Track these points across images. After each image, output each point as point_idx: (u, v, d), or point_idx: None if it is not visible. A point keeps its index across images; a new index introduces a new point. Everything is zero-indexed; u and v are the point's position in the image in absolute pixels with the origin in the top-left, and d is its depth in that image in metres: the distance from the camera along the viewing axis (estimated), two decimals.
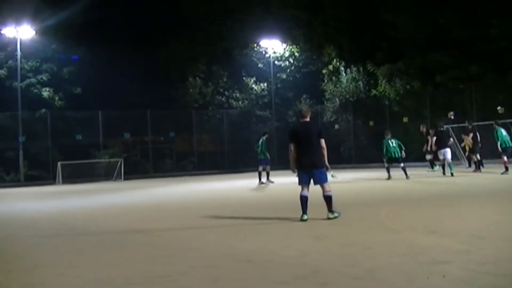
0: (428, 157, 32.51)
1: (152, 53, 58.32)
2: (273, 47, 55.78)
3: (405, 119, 42.77)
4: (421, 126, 33.98)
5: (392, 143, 27.74)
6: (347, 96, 50.39)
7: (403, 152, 27.76)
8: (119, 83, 56.01)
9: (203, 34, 57.63)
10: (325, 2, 52.28)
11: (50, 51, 50.28)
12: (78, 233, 13.35)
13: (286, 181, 28.10)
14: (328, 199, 13.14)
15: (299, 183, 13.25)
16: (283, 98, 56.57)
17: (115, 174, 44.71)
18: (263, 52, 56.60)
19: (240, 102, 56.13)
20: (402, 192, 20.66)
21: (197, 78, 55.90)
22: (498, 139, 27.98)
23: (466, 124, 30.66)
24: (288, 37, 55.87)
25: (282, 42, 55.91)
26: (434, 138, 29.23)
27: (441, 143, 28.45)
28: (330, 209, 13.11)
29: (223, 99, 56.38)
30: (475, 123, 35.11)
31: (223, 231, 12.28)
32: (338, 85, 50.74)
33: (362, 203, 17.22)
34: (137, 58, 56.83)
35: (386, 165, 28.00)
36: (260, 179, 28.81)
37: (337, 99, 51.17)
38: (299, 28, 55.24)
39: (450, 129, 37.05)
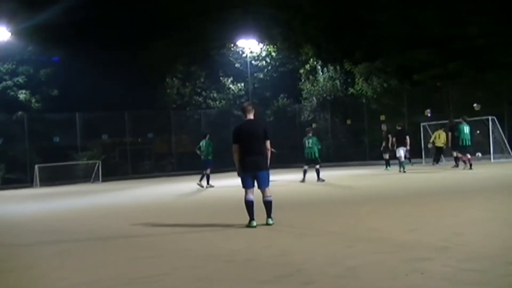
0: (386, 156, 33.00)
1: (129, 54, 58.07)
2: (250, 47, 55.78)
3: (383, 117, 42.94)
4: (382, 126, 34.26)
5: (308, 143, 27.45)
6: (325, 95, 50.52)
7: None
8: (97, 85, 55.73)
9: (181, 35, 57.52)
10: (304, 1, 52.37)
11: (27, 53, 49.90)
12: (60, 236, 13.33)
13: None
14: (269, 204, 12.50)
15: (243, 187, 12.59)
16: (260, 97, 56.55)
17: (93, 176, 44.50)
18: (240, 52, 56.59)
19: (217, 102, 56.10)
20: (382, 190, 20.74)
21: (174, 79, 55.85)
22: (460, 135, 28.42)
23: (447, 122, 30.85)
24: (265, 36, 55.90)
25: (259, 42, 55.92)
26: (394, 137, 30.10)
27: (398, 142, 29.87)
28: (270, 214, 12.49)
29: (201, 99, 56.33)
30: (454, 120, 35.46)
31: (205, 231, 12.29)
32: (315, 84, 50.86)
33: (343, 201, 17.28)
34: (114, 59, 56.59)
35: (317, 166, 27.45)
36: (208, 181, 28.08)
37: (314, 98, 51.30)
38: (277, 27, 55.37)
39: (427, 127, 37.37)
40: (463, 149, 28.86)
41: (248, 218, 12.35)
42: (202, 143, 28.50)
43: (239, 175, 12.60)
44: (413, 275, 7.06)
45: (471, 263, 7.55)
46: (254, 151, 12.39)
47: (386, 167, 33.13)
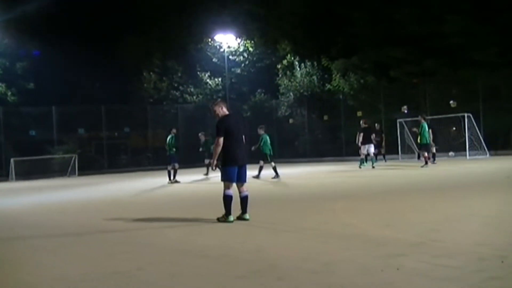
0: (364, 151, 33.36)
1: (107, 48, 57.83)
2: (227, 41, 55.72)
3: (359, 113, 43.04)
4: (361, 122, 34.41)
5: (262, 140, 27.32)
6: (302, 91, 50.58)
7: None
8: (73, 78, 55.59)
9: (158, 29, 57.47)
10: None
11: (3, 46, 49.56)
12: (33, 230, 13.22)
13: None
14: (246, 199, 12.45)
15: (227, 180, 12.31)
16: (238, 92, 56.60)
17: (69, 170, 44.23)
18: (218, 47, 56.52)
19: (194, 97, 56.01)
20: (357, 186, 20.82)
21: (151, 73, 55.73)
22: (423, 134, 28.78)
23: (419, 118, 30.97)
24: (243, 31, 55.89)
25: (237, 37, 55.89)
26: (361, 134, 30.59)
27: (365, 139, 30.61)
28: (246, 210, 12.44)
29: (178, 94, 56.22)
30: (428, 117, 35.63)
31: (179, 226, 12.26)
32: (292, 80, 50.92)
33: (318, 197, 17.29)
34: (91, 53, 56.43)
35: (262, 163, 27.09)
36: (170, 177, 27.67)
37: (291, 94, 51.36)
38: (254, 22, 55.33)
39: (404, 123, 37.55)
40: (424, 147, 29.29)
41: (224, 212, 12.30)
42: (168, 137, 28.01)
43: (217, 167, 12.63)
44: (388, 271, 7.07)
45: (446, 259, 7.57)
46: (242, 144, 12.47)
47: (364, 162, 33.26)
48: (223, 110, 12.66)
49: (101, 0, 60.03)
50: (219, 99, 13.61)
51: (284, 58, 52.59)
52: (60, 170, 44.77)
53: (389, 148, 38.90)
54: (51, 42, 51.25)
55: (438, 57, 40.90)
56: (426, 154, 28.99)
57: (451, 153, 33.47)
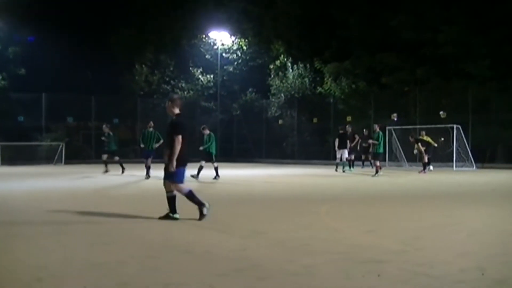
0: (351, 157, 33.62)
1: (100, 38, 57.62)
2: (221, 39, 55.75)
3: (349, 118, 43.09)
4: (347, 127, 34.68)
5: (206, 140, 26.43)
6: (293, 92, 50.63)
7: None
8: (65, 66, 55.39)
9: (153, 22, 57.28)
10: None
11: None
12: (14, 216, 13.16)
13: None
14: (174, 199, 12.42)
15: (181, 181, 12.29)
16: (229, 90, 56.63)
17: (55, 158, 44.14)
18: (212, 44, 56.53)
19: (185, 92, 55.91)
20: (343, 190, 20.87)
21: (143, 66, 55.61)
22: (380, 142, 28.84)
23: (375, 127, 30.86)
24: (237, 30, 55.89)
25: (231, 35, 55.91)
26: (337, 139, 30.98)
27: (340, 144, 31.37)
28: (172, 209, 12.41)
29: (169, 88, 56.09)
30: (418, 126, 35.77)
31: (163, 221, 12.22)
32: (284, 81, 50.95)
33: (303, 199, 17.31)
34: (84, 42, 56.29)
35: (204, 164, 26.13)
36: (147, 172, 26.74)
37: (282, 95, 51.39)
38: (249, 21, 55.30)
39: (393, 130, 37.65)
40: (378, 156, 29.26)
41: (173, 211, 12.37)
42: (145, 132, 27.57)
43: (175, 168, 12.08)
44: (369, 277, 7.09)
45: (427, 268, 7.59)
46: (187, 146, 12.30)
47: (350, 167, 33.42)
48: (177, 110, 12.42)
49: None
50: (175, 96, 12.92)
51: (277, 58, 52.60)
52: (47, 158, 44.70)
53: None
54: (44, 29, 51.14)
55: (431, 66, 41.05)
56: (378, 163, 28.84)
57: (431, 167, 33.51)
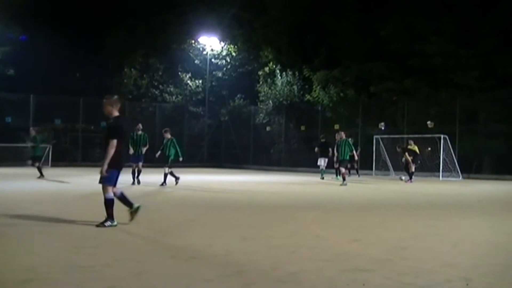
0: (336, 165, 33.67)
1: (90, 41, 57.60)
2: (211, 44, 55.81)
3: (337, 126, 43.09)
4: (336, 135, 34.66)
5: (167, 145, 25.72)
6: (281, 99, 50.64)
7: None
8: (54, 68, 55.31)
9: (143, 26, 57.23)
10: (268, 4, 52.40)
11: None
12: (1, 218, 13.09)
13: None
14: (124, 194, 12.27)
15: (110, 184, 11.92)
16: (217, 96, 56.69)
17: (42, 159, 43.96)
18: (201, 49, 56.57)
19: (174, 97, 55.97)
20: (330, 198, 20.87)
21: (132, 69, 55.56)
22: (350, 150, 28.62)
23: (340, 134, 30.68)
24: (227, 35, 55.95)
25: (221, 40, 55.95)
26: (318, 148, 31.10)
27: (322, 152, 32.13)
28: (130, 202, 12.25)
29: (157, 92, 56.13)
30: (405, 136, 35.87)
31: (149, 226, 12.20)
32: (273, 88, 50.96)
33: (290, 207, 17.31)
34: (74, 44, 56.17)
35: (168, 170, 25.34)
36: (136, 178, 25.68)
37: (270, 101, 51.40)
38: (239, 27, 55.35)
39: (380, 139, 37.74)
40: (343, 163, 29.00)
41: (106, 217, 11.96)
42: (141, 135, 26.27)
43: (104, 173, 11.73)
44: (354, 285, 7.10)
45: (412, 277, 7.61)
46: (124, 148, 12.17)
47: (336, 176, 33.47)
48: (116, 111, 12.13)
49: None
50: (115, 97, 12.42)
51: (266, 65, 52.61)
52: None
53: (363, 163, 39.04)
54: (34, 30, 51.08)
55: (419, 76, 41.14)
56: (343, 170, 28.72)
57: (404, 177, 33.60)
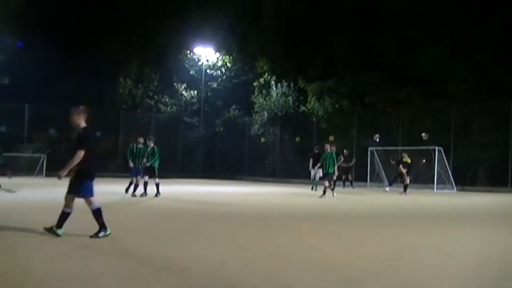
0: (333, 177, 33.75)
1: (85, 50, 57.48)
2: (206, 55, 55.81)
3: (331, 138, 43.06)
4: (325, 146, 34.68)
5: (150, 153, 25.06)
6: (276, 110, 50.63)
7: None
8: (49, 77, 55.16)
9: (138, 35, 57.24)
10: (262, 14, 52.49)
11: None
12: None
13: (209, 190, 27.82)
14: (66, 216, 11.86)
15: (90, 195, 11.77)
16: (212, 106, 56.64)
17: (37, 169, 43.92)
18: (196, 60, 56.54)
19: (168, 108, 55.93)
20: (324, 209, 20.85)
21: (127, 79, 55.54)
22: (333, 164, 28.05)
23: (326, 146, 30.36)
24: (222, 46, 55.93)
25: (216, 51, 55.96)
26: (310, 159, 30.82)
27: (314, 164, 31.67)
28: (60, 224, 11.79)
29: (152, 102, 56.08)
30: (400, 148, 35.86)
31: (143, 236, 12.19)
32: (268, 99, 50.94)
33: (284, 217, 17.32)
34: (70, 53, 56.09)
35: (157, 180, 25.00)
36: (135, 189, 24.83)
37: (265, 112, 51.37)
38: (234, 37, 55.34)
39: (375, 152, 37.73)
40: (330, 176, 28.57)
41: (99, 228, 11.83)
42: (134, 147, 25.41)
43: (81, 182, 11.70)
44: None
45: None
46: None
47: (333, 186, 33.51)
48: (83, 122, 12.18)
49: (84, 2, 59.72)
50: (82, 107, 12.49)
51: (261, 76, 52.60)
52: (28, 169, 44.44)
53: (357, 174, 39.03)
54: (29, 39, 50.98)
55: (414, 87, 41.17)
56: (326, 183, 28.27)
57: (387, 189, 33.63)
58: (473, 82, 39.06)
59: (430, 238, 13.14)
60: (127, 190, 25.15)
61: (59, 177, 11.77)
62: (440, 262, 10.05)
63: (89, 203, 11.76)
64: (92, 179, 11.84)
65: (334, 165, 27.90)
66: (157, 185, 24.78)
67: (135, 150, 25.05)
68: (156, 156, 24.88)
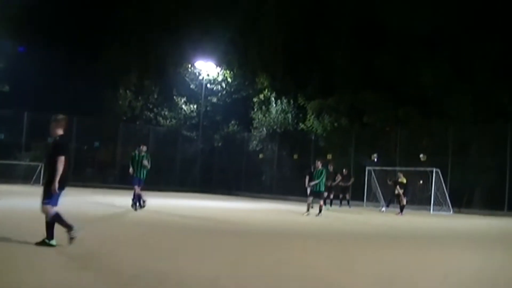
0: (330, 195, 33.88)
1: (86, 60, 57.59)
2: (207, 69, 55.89)
3: (329, 156, 43.08)
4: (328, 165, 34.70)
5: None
6: (275, 127, 50.68)
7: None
8: (49, 86, 55.22)
9: (140, 47, 57.31)
10: (263, 30, 52.61)
11: None
12: None
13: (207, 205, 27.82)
14: (52, 225, 11.82)
15: (54, 204, 11.73)
16: (211, 121, 56.69)
17: (34, 178, 43.88)
18: (197, 74, 56.61)
19: (168, 121, 55.99)
20: (320, 228, 20.83)
21: (127, 91, 55.61)
22: (323, 182, 27.64)
23: (316, 164, 30.01)
24: (223, 60, 56.01)
25: (217, 66, 56.03)
26: (307, 177, 30.49)
27: (310, 182, 29.48)
28: (50, 235, 11.80)
29: (152, 115, 56.16)
30: (398, 168, 35.85)
31: (138, 250, 12.17)
32: (267, 115, 50.99)
33: (280, 234, 17.31)
34: (70, 62, 56.18)
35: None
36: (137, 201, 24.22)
37: (264, 129, 51.42)
38: (235, 52, 55.42)
39: (372, 171, 37.74)
40: (321, 194, 28.19)
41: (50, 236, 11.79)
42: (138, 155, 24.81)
43: (57, 190, 11.61)
44: None
45: None
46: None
47: (330, 204, 33.55)
48: (61, 130, 12.01)
49: (85, 12, 59.86)
50: (62, 116, 12.23)
51: (261, 92, 52.65)
52: (25, 177, 44.42)
53: (354, 194, 39.01)
54: (29, 47, 51.05)
55: (412, 107, 41.21)
56: (322, 202, 27.87)
57: (383, 209, 33.70)
58: (472, 103, 39.13)
59: (426, 259, 13.14)
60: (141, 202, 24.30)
61: (55, 191, 11.58)
62: (436, 282, 10.05)
63: (46, 212, 11.69)
64: (63, 189, 11.75)
65: (324, 183, 27.50)
66: (139, 195, 24.13)
67: (137, 158, 24.47)
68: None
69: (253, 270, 10.43)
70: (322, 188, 27.38)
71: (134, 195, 24.28)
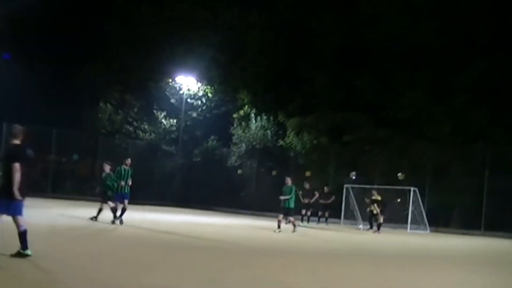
0: (308, 212, 34.36)
1: (67, 72, 57.42)
2: (188, 84, 55.82)
3: (308, 173, 43.16)
4: (304, 183, 35.04)
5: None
6: (254, 143, 50.67)
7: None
8: (28, 97, 54.91)
9: (121, 61, 57.12)
10: (246, 48, 52.78)
11: None
12: None
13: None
14: (24, 234, 11.84)
15: (20, 213, 11.94)
16: (191, 136, 56.55)
17: None
18: (178, 88, 56.52)
19: (147, 135, 55.84)
20: (297, 245, 20.90)
21: (108, 104, 55.46)
22: (293, 199, 27.43)
23: (286, 181, 29.80)
24: (204, 76, 55.95)
25: (198, 81, 56.01)
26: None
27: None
28: (24, 245, 11.82)
29: (131, 129, 55.96)
30: (375, 186, 36.00)
31: (116, 265, 12.16)
32: (246, 131, 50.99)
33: (257, 252, 17.35)
34: (51, 74, 55.99)
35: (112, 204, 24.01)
36: (116, 215, 23.71)
37: (243, 145, 51.41)
38: (217, 69, 55.43)
39: (350, 189, 37.89)
40: (291, 211, 27.94)
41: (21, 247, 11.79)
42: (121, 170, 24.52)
43: (19, 197, 11.79)
44: None
45: None
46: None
47: (307, 221, 33.67)
48: (17, 140, 12.27)
49: (68, 23, 59.70)
50: (20, 128, 12.56)
51: (242, 108, 52.71)
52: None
53: (332, 211, 39.05)
54: (12, 58, 50.84)
55: (392, 127, 41.47)
56: (292, 218, 27.72)
57: (360, 226, 33.92)
58: (450, 126, 39.46)
59: (404, 277, 13.24)
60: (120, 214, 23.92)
61: (19, 200, 11.72)
62: None
63: (16, 220, 11.80)
64: (23, 196, 11.86)
65: (294, 201, 27.23)
66: (114, 209, 23.83)
67: (123, 173, 24.22)
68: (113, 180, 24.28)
69: (230, 287, 10.46)
70: (292, 205, 27.04)
71: (122, 210, 23.91)
